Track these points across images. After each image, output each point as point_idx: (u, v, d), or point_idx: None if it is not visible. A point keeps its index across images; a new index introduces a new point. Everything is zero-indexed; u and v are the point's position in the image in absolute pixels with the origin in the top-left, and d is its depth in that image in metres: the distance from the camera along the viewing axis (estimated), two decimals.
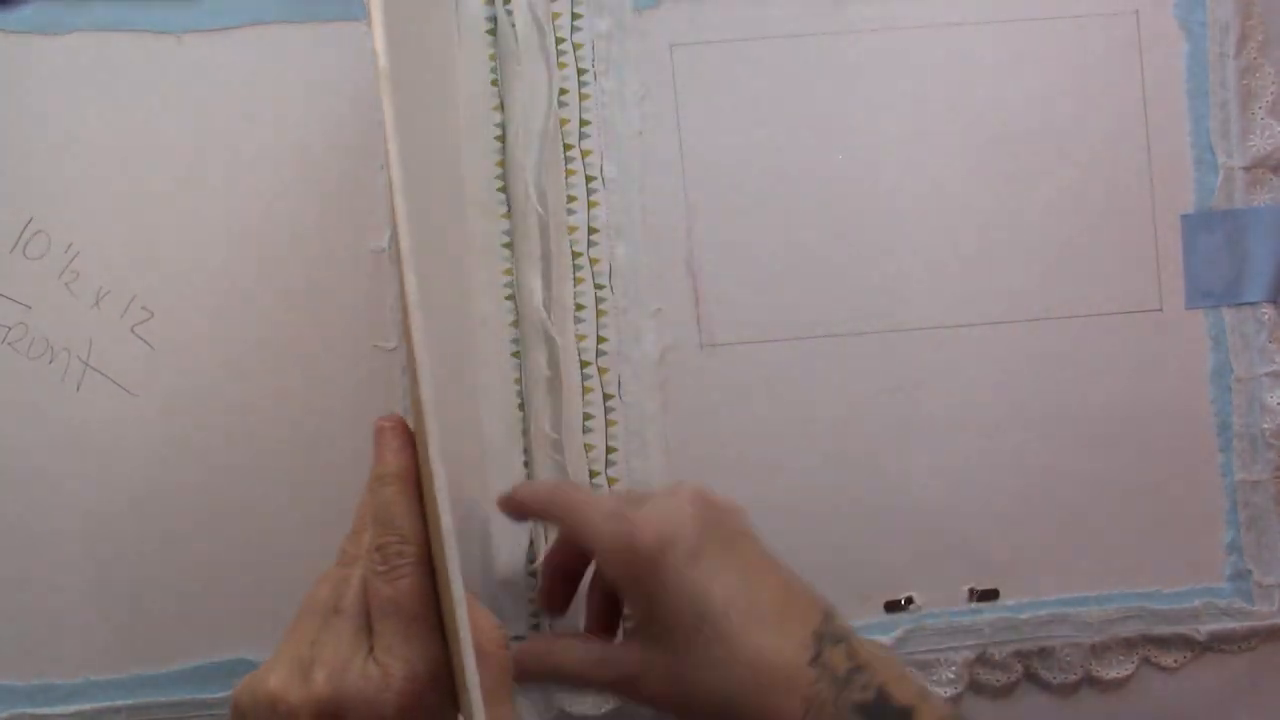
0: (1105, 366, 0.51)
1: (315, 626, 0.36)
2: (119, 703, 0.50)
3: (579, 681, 0.42)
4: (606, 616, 0.44)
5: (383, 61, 0.30)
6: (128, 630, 0.50)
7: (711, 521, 0.40)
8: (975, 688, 0.51)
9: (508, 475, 0.51)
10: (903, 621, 0.51)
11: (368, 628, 0.35)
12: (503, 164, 0.51)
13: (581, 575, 0.45)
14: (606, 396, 0.51)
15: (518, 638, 0.51)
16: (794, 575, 0.41)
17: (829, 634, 0.38)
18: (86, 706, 0.50)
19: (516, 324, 0.51)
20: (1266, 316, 0.50)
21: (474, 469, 0.50)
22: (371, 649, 0.35)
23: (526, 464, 0.51)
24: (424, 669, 0.35)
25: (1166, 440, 0.51)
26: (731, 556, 0.39)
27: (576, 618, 0.47)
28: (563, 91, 0.51)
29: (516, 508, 0.45)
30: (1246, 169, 0.50)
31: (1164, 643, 0.51)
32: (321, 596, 0.36)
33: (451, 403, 0.49)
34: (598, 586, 0.45)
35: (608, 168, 0.51)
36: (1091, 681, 0.50)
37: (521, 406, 0.51)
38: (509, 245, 0.51)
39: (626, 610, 0.43)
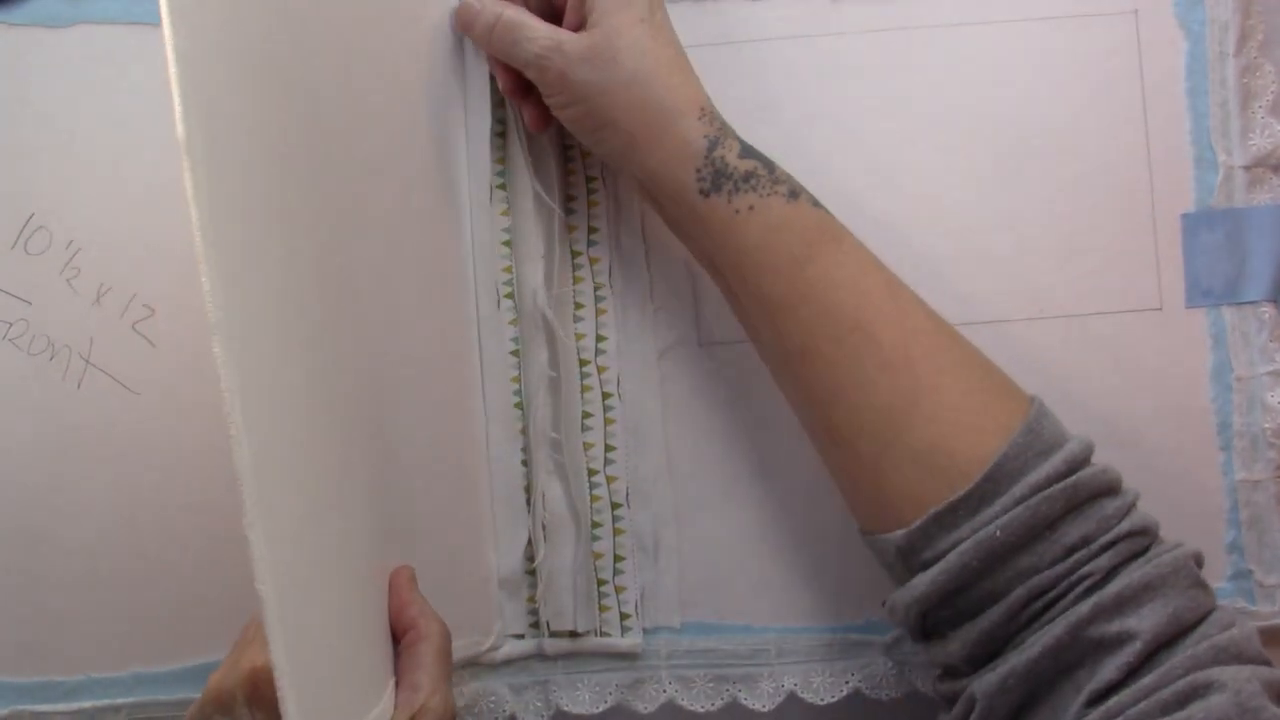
0: (1105, 365, 0.50)
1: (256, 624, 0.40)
2: (119, 700, 0.50)
3: (517, 31, 0.46)
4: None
5: (181, 127, 0.30)
6: (127, 628, 0.50)
7: None
8: None
9: (506, 474, 0.51)
10: None
11: None
12: (503, 161, 0.51)
13: None
14: (605, 395, 0.51)
15: (517, 636, 0.51)
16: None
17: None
18: (86, 704, 0.50)
19: (516, 322, 0.51)
20: (1267, 315, 0.50)
21: (471, 472, 0.50)
22: None
23: (525, 462, 0.51)
24: None
25: (1167, 440, 0.50)
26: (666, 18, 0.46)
27: None
28: None
29: None
30: (1247, 168, 0.50)
31: None
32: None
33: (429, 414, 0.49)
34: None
35: (608, 166, 0.51)
36: None
37: (520, 405, 0.51)
38: (509, 243, 0.51)
39: (570, 21, 0.46)
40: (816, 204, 0.44)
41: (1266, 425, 0.50)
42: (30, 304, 0.49)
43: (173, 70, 0.30)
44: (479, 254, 0.51)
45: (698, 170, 0.43)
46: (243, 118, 0.34)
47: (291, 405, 0.35)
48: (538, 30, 0.45)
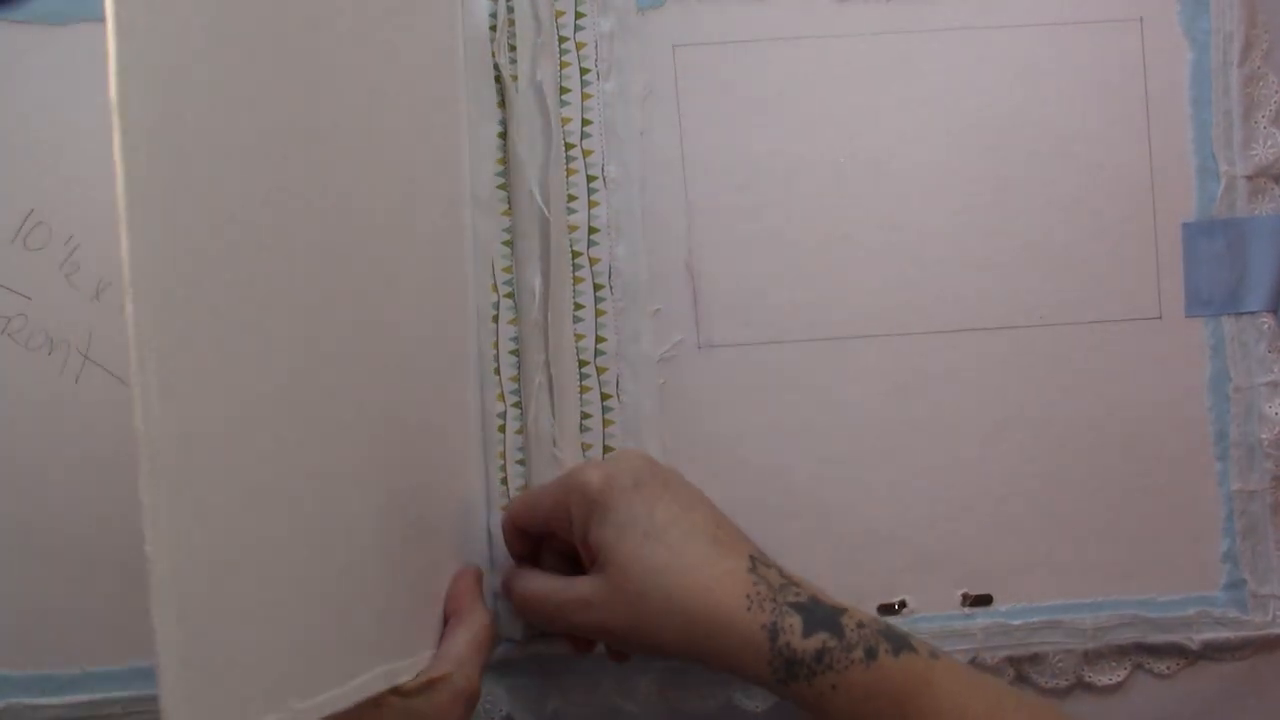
0: (1104, 373, 0.51)
1: None
2: (116, 694, 0.50)
3: (542, 605, 0.46)
4: (565, 571, 0.47)
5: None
6: (125, 621, 0.50)
7: (652, 467, 0.45)
8: None
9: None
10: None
11: None
12: (504, 161, 0.51)
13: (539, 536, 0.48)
14: (604, 396, 0.51)
15: (512, 639, 0.51)
16: (727, 518, 0.45)
17: (760, 559, 0.43)
18: (83, 698, 0.50)
19: (515, 322, 0.51)
20: (1266, 326, 0.50)
21: (468, 472, 0.50)
22: None
23: (522, 462, 0.51)
24: None
25: (1163, 448, 0.51)
26: (670, 491, 0.44)
27: None
28: (565, 90, 0.51)
29: (512, 528, 0.48)
30: (1249, 178, 0.50)
31: (1157, 651, 0.51)
32: None
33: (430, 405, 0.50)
34: (552, 547, 0.48)
35: (609, 167, 0.51)
36: (1084, 687, 0.50)
37: (519, 405, 0.51)
38: (509, 243, 0.51)
39: (584, 558, 0.46)
40: (899, 648, 0.41)
41: (1263, 435, 0.50)
42: (30, 299, 0.49)
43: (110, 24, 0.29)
44: (479, 254, 0.51)
45: (770, 664, 0.41)
46: (213, 94, 0.34)
47: (234, 382, 0.33)
48: (559, 595, 0.45)
